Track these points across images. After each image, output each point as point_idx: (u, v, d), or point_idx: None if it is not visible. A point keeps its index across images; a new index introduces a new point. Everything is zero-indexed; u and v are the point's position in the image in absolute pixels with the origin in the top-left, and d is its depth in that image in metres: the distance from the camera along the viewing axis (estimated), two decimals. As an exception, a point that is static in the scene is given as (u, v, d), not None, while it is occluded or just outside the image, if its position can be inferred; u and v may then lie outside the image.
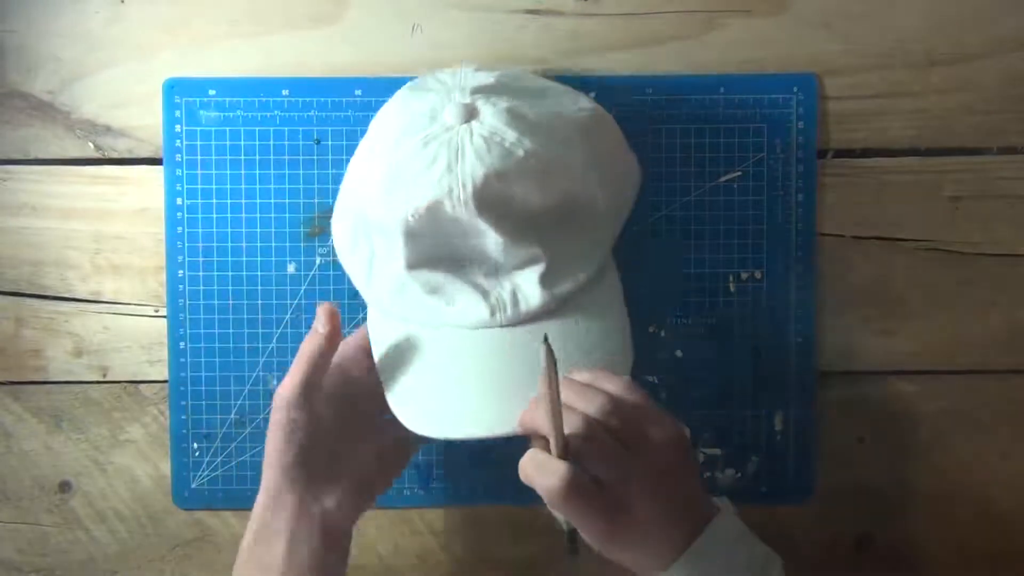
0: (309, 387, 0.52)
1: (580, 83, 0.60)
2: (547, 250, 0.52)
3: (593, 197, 0.54)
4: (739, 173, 0.61)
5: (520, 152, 0.50)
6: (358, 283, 0.57)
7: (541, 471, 0.44)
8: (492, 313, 0.52)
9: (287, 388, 0.52)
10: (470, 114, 0.51)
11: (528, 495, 0.45)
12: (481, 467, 0.62)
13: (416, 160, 0.50)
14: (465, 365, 0.52)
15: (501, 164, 0.49)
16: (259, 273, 0.62)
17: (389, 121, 0.54)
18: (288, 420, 0.51)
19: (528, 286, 0.52)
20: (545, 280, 0.52)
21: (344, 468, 0.54)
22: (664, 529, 0.45)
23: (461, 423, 0.50)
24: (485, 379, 0.51)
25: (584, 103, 0.57)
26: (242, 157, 0.61)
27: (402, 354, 0.53)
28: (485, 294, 0.52)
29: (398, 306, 0.54)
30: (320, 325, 0.52)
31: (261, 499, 0.53)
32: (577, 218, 0.54)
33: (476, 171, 0.49)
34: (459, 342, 0.52)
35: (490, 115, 0.50)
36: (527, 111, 0.51)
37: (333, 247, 0.60)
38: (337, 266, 0.61)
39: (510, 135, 0.50)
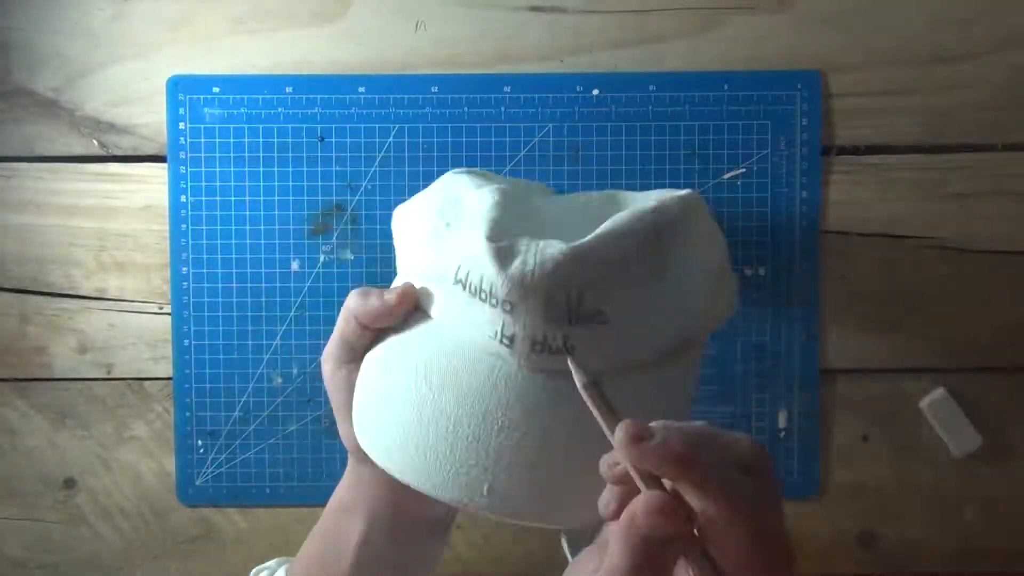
0: (352, 349, 0.47)
1: (584, 81, 0.61)
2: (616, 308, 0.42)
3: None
4: (743, 170, 0.61)
5: None
6: (419, 239, 0.48)
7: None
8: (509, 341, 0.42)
9: (328, 346, 0.48)
10: None
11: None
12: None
13: None
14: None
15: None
16: (263, 271, 0.61)
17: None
18: (335, 377, 0.48)
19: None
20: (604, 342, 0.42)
21: None
22: None
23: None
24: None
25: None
26: (246, 154, 0.61)
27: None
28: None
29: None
30: (388, 297, 0.46)
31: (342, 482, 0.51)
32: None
33: None
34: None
35: None
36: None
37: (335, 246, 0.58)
38: (341, 263, 0.61)
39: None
